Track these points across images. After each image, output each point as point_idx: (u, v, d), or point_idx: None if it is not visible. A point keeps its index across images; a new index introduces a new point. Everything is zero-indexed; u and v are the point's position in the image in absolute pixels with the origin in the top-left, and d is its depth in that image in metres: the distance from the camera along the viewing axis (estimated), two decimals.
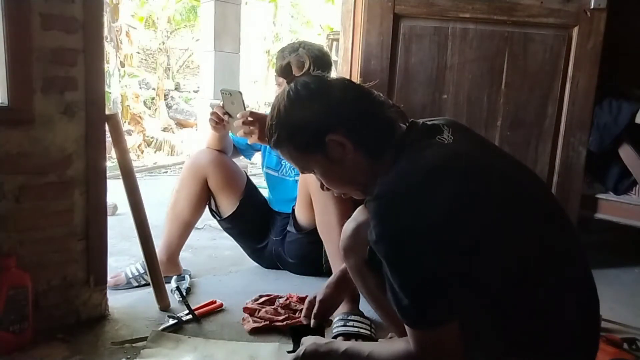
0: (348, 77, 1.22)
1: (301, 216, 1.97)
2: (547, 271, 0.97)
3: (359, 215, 1.24)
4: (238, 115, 1.66)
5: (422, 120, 1.08)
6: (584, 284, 1.03)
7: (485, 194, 0.95)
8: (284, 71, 1.94)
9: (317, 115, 1.02)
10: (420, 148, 1.00)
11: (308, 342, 1.23)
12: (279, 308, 1.62)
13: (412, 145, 1.01)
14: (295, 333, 1.32)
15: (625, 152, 2.37)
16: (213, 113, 1.80)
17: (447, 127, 1.05)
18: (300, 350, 1.21)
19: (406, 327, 0.97)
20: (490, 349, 0.98)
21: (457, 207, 0.92)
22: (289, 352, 1.34)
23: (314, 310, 1.32)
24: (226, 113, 1.77)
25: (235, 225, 2.13)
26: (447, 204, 0.91)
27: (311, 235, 1.91)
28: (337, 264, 1.58)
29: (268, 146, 2.12)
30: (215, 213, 2.12)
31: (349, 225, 1.23)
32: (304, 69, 1.89)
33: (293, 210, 2.01)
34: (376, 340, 1.48)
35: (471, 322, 0.95)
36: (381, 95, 1.09)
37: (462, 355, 0.95)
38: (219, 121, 1.80)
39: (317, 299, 1.33)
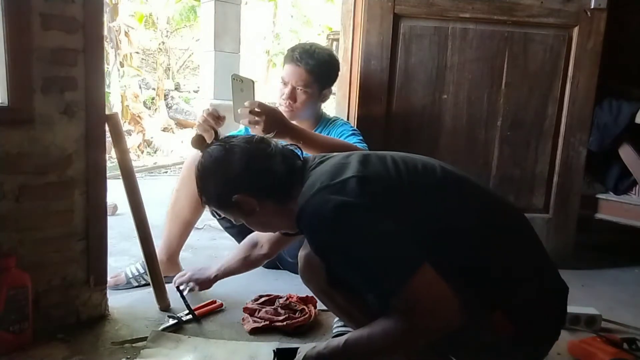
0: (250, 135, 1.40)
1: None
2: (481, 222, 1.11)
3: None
4: (246, 104, 1.65)
5: (314, 156, 1.26)
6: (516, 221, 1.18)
7: (387, 170, 1.12)
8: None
9: (219, 184, 1.21)
10: (316, 164, 1.18)
11: (306, 347, 1.22)
12: (278, 308, 1.62)
13: (311, 170, 1.18)
14: (280, 354, 1.32)
15: (625, 152, 2.37)
16: (205, 120, 1.73)
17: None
18: (300, 356, 1.20)
19: (389, 301, 1.02)
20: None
21: (367, 175, 1.07)
22: (274, 352, 1.33)
23: None
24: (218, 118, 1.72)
25: (235, 224, 2.12)
26: (358, 177, 1.06)
27: None
28: None
29: None
30: (216, 212, 2.11)
31: (302, 253, 1.30)
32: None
33: None
34: None
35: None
36: (277, 143, 1.25)
37: (457, 301, 0.98)
38: (210, 128, 1.78)
39: None
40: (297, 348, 1.24)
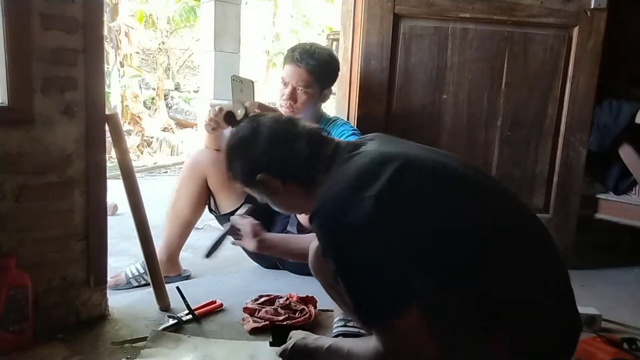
0: (280, 115, 1.36)
1: (302, 217, 1.97)
2: (498, 245, 1.02)
3: None
4: (246, 104, 1.65)
5: (347, 141, 1.23)
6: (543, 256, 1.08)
7: (416, 183, 1.03)
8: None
9: (245, 162, 1.22)
10: (345, 161, 1.12)
11: (298, 335, 1.29)
12: (279, 308, 1.62)
13: (338, 161, 1.13)
14: (276, 332, 1.40)
15: (625, 152, 2.37)
16: (211, 119, 1.80)
17: (373, 137, 1.19)
18: (290, 343, 1.28)
19: (369, 327, 1.03)
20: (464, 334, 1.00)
21: (389, 199, 0.99)
22: (271, 344, 1.42)
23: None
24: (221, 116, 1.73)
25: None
26: (379, 199, 0.98)
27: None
28: None
29: None
30: (215, 211, 2.12)
31: (313, 245, 1.30)
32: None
33: None
34: None
35: (441, 311, 0.99)
36: (306, 124, 1.23)
37: (436, 345, 0.98)
38: (216, 127, 1.80)
39: None
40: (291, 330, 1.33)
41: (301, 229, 1.98)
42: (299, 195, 1.20)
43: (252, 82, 1.70)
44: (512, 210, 1.13)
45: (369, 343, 1.07)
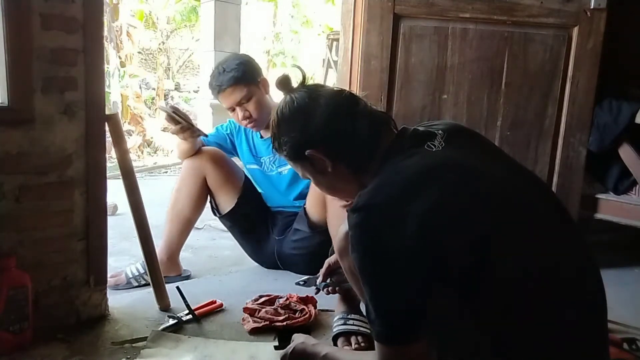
0: (343, 87, 1.29)
1: (314, 214, 1.99)
2: (540, 288, 0.91)
3: None
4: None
5: (414, 127, 1.08)
6: (585, 297, 0.96)
7: (467, 207, 0.93)
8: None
9: (295, 135, 1.09)
10: (403, 158, 1.00)
11: (299, 339, 1.28)
12: (278, 308, 1.62)
13: (397, 155, 1.02)
14: (282, 336, 1.42)
15: (625, 152, 2.37)
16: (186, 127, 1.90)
17: (444, 132, 1.04)
18: (290, 346, 1.27)
19: (374, 339, 0.97)
20: None
21: (433, 223, 0.90)
22: (276, 348, 1.43)
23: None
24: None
25: (235, 222, 2.14)
26: (423, 220, 0.89)
27: (322, 234, 1.96)
28: None
29: (243, 145, 2.18)
30: (215, 211, 2.12)
31: (342, 227, 1.24)
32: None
33: (304, 208, 2.03)
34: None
35: (461, 341, 0.93)
36: (369, 104, 1.12)
37: None
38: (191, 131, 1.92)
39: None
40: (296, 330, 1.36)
41: (312, 226, 1.99)
42: (346, 180, 1.10)
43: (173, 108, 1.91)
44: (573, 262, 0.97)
45: (367, 358, 1.04)
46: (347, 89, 2.18)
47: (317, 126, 1.07)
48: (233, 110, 2.04)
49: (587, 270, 0.98)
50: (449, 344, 0.95)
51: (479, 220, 0.92)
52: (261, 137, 2.14)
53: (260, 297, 1.70)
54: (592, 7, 2.12)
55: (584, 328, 0.93)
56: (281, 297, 1.69)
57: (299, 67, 1.25)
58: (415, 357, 0.95)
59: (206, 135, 2.04)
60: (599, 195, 2.48)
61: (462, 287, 0.90)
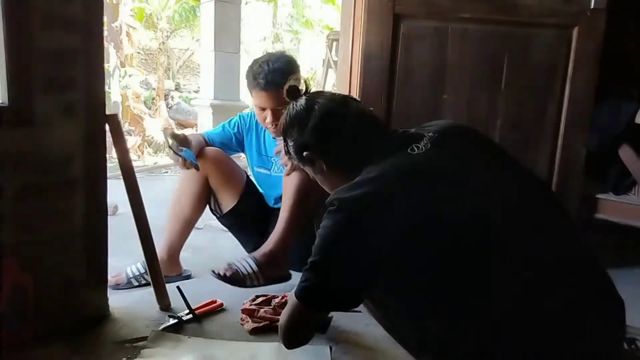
0: (341, 93, 1.44)
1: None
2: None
3: None
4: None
5: (404, 129, 1.20)
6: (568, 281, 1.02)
7: (429, 214, 1.01)
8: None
9: (296, 138, 1.25)
10: (384, 159, 1.10)
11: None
12: (276, 308, 1.62)
13: (380, 156, 1.12)
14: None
15: (625, 153, 2.37)
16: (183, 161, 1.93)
17: (434, 133, 1.12)
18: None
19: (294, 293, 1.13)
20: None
21: (394, 222, 1.01)
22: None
23: None
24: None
25: (236, 221, 2.13)
26: (383, 218, 1.01)
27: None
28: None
29: (252, 144, 2.19)
30: (215, 211, 2.12)
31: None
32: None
33: None
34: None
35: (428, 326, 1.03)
36: (361, 107, 1.26)
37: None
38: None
39: None
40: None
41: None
42: (339, 178, 1.19)
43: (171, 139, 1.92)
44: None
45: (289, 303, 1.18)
46: (347, 90, 2.20)
47: (310, 129, 1.20)
48: (263, 110, 1.98)
49: (575, 259, 1.06)
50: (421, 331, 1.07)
51: (440, 225, 1.00)
52: (273, 137, 2.11)
53: (257, 297, 1.70)
54: (592, 7, 2.12)
55: (576, 314, 0.99)
56: (277, 297, 1.70)
57: (304, 80, 1.40)
58: (314, 322, 1.20)
59: (197, 169, 1.97)
60: (599, 196, 2.48)
61: (422, 281, 1.01)
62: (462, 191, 1.04)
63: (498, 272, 0.98)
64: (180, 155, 1.89)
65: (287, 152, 1.31)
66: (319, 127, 1.20)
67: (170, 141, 1.91)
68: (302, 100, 1.25)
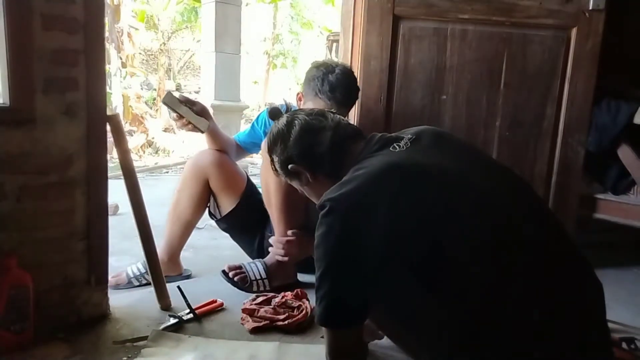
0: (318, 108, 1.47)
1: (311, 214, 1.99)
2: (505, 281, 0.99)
3: None
4: (196, 108, 1.89)
5: (382, 133, 1.23)
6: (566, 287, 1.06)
7: (418, 202, 1.03)
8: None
9: (280, 154, 1.31)
10: (368, 158, 1.14)
11: None
12: (276, 307, 1.63)
13: (363, 157, 1.16)
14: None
15: (624, 152, 2.37)
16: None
17: (412, 135, 1.18)
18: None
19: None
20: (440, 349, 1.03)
21: (388, 216, 1.01)
22: None
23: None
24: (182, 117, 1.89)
25: (233, 224, 2.13)
26: (378, 213, 1.01)
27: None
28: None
29: None
30: (213, 215, 2.12)
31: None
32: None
33: None
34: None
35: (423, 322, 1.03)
36: (339, 119, 1.29)
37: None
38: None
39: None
40: None
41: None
42: (327, 186, 1.18)
43: (170, 93, 1.88)
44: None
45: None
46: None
47: (291, 143, 1.27)
48: (300, 97, 1.98)
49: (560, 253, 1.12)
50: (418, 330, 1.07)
51: (430, 212, 1.02)
52: None
53: (257, 296, 1.71)
54: (590, 8, 2.12)
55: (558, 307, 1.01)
56: (276, 297, 1.70)
57: (285, 102, 1.58)
58: (354, 340, 1.13)
59: (202, 132, 1.95)
60: (598, 195, 2.49)
61: (419, 275, 1.01)
62: (447, 180, 1.08)
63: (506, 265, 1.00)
64: (176, 112, 1.86)
65: (275, 170, 1.36)
66: (299, 138, 1.26)
67: (166, 98, 1.88)
68: (282, 119, 1.33)
